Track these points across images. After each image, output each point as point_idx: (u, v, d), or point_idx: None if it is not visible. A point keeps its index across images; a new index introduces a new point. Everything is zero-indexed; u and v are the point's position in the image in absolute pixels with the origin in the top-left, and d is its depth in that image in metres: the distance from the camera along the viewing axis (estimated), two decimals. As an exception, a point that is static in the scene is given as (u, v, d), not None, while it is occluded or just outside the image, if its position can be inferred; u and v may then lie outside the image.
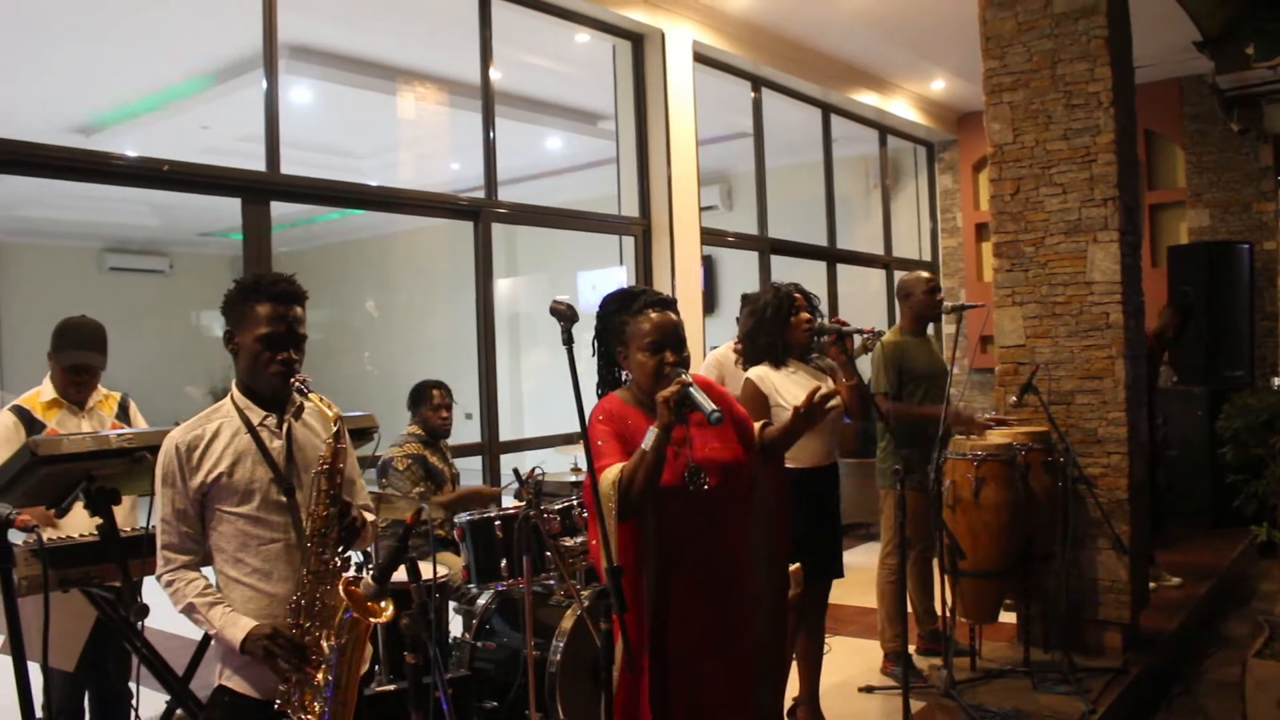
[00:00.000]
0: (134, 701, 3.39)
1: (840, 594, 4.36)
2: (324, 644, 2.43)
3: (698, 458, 2.85)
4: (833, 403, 3.14)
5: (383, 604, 2.48)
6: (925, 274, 5.37)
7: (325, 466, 2.50)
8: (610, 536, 2.68)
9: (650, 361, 2.83)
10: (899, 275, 5.54)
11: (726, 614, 2.90)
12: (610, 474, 2.72)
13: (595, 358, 3.05)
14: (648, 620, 2.80)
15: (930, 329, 5.46)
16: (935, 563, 5.02)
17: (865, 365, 4.99)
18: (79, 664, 3.59)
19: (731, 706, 2.93)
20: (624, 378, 3.01)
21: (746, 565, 2.99)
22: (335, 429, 2.53)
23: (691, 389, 2.66)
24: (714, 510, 2.86)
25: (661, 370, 2.81)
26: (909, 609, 5.17)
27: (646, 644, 2.79)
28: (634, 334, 2.87)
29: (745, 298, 4.24)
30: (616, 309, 2.94)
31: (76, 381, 3.96)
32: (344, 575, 2.51)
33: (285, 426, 2.58)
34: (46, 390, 3.98)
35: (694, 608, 2.85)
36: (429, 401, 5.29)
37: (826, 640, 5.08)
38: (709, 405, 2.64)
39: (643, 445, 2.67)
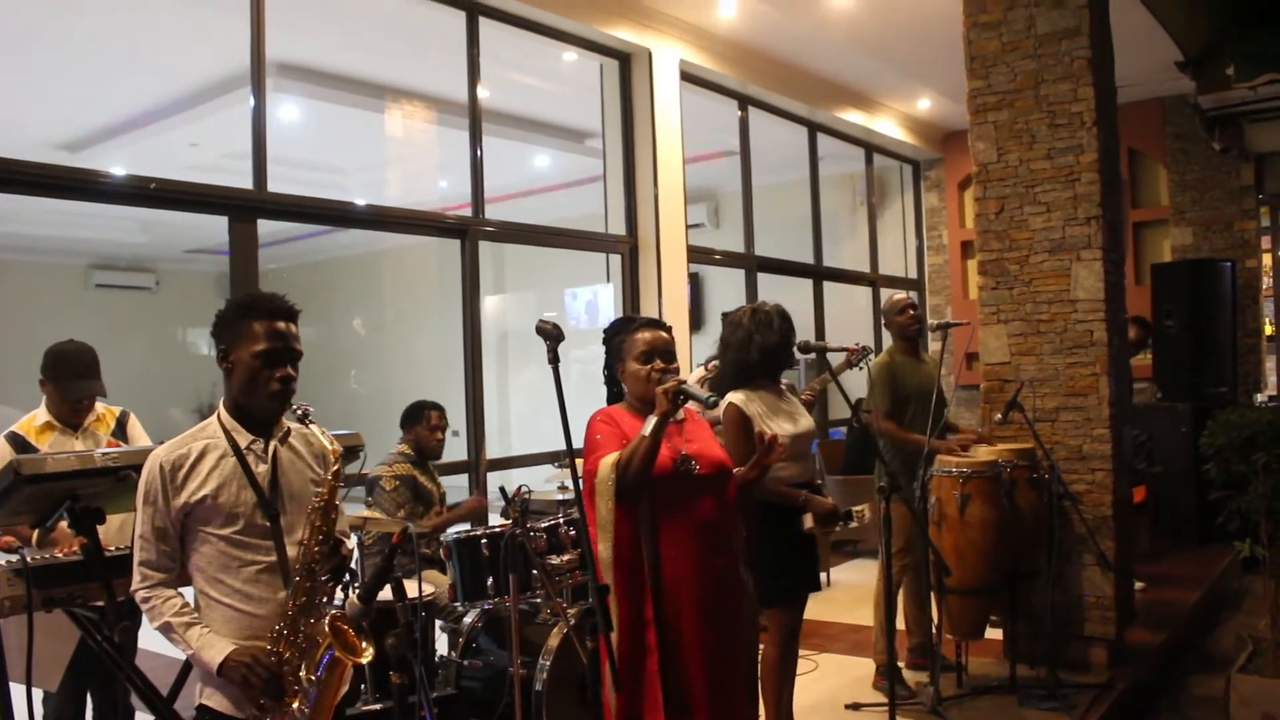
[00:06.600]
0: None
1: (829, 610, 4.35)
2: (302, 675, 2.42)
3: (688, 451, 3.17)
4: (781, 442, 3.50)
5: (363, 645, 2.45)
6: (901, 295, 5.45)
7: (321, 503, 2.49)
8: (607, 521, 2.98)
9: (643, 369, 3.21)
10: (885, 293, 5.59)
11: (720, 597, 3.14)
12: (609, 458, 3.05)
13: (605, 383, 3.41)
14: (650, 596, 3.02)
15: (930, 350, 5.49)
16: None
17: (849, 380, 5.02)
18: (83, 677, 3.70)
19: (735, 694, 3.18)
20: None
21: (736, 561, 3.25)
22: (335, 467, 2.52)
23: (686, 384, 3.00)
24: (702, 491, 3.16)
25: (652, 375, 3.17)
26: (903, 622, 5.20)
27: (653, 622, 3.01)
28: (629, 349, 3.26)
29: (726, 316, 4.24)
30: (617, 331, 3.33)
31: (77, 408, 4.01)
32: (331, 611, 2.49)
33: (271, 451, 2.57)
34: (41, 414, 4.01)
35: (688, 589, 3.07)
36: (425, 421, 5.26)
37: (814, 658, 5.07)
38: (704, 394, 3.02)
39: (642, 431, 3.00)
